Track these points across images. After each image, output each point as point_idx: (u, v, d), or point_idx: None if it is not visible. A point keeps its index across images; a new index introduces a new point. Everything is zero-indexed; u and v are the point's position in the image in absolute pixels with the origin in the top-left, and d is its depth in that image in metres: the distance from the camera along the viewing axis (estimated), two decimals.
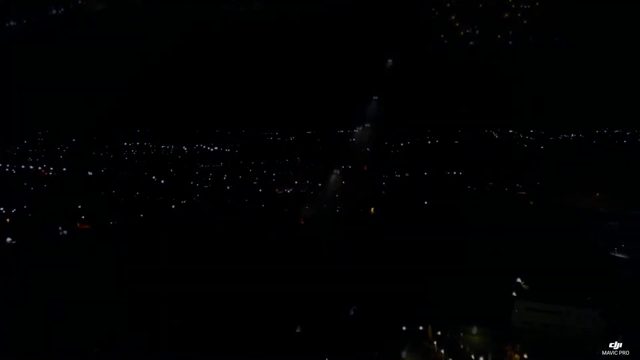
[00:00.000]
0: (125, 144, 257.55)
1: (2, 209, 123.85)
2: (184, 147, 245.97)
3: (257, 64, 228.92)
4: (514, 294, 76.95)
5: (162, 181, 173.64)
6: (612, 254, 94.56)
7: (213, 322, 62.98)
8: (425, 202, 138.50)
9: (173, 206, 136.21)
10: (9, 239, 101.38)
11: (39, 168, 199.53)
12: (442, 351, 61.04)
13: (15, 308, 65.96)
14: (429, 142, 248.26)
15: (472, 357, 59.81)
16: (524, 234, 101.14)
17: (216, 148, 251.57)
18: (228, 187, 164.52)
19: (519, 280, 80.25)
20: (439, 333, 63.59)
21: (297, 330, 61.52)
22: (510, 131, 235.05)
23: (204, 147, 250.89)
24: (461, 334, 62.60)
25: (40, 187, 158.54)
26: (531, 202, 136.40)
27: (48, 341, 56.94)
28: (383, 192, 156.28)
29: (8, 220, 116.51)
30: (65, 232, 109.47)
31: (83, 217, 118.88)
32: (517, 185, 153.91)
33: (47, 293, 70.86)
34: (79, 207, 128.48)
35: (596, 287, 73.27)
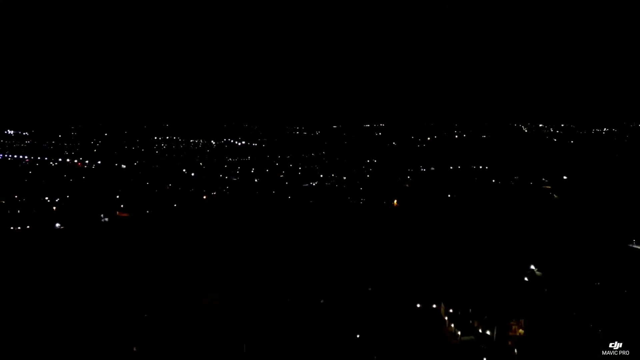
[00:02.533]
0: (156, 138, 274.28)
1: (47, 198, 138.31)
2: (212, 141, 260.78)
3: (283, 59, 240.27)
4: (526, 279, 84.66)
5: (192, 174, 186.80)
6: (631, 245, 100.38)
7: (245, 299, 73.03)
8: (449, 195, 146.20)
9: (204, 197, 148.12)
10: (57, 224, 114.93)
11: (75, 161, 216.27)
12: (452, 325, 69.71)
13: (74, 280, 78.06)
14: (456, 136, 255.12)
15: (480, 331, 68.12)
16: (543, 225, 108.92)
17: (244, 142, 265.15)
18: (256, 180, 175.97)
19: (532, 267, 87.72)
20: (451, 310, 72.04)
21: (321, 301, 72.01)
22: (541, 125, 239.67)
23: (232, 141, 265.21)
24: (470, 311, 70.96)
25: (79, 178, 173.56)
26: (555, 196, 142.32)
27: (98, 308, 68.00)
28: (407, 185, 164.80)
29: (54, 208, 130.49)
30: (106, 219, 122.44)
31: (122, 206, 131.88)
32: (543, 179, 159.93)
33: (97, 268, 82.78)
34: (117, 197, 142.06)
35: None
